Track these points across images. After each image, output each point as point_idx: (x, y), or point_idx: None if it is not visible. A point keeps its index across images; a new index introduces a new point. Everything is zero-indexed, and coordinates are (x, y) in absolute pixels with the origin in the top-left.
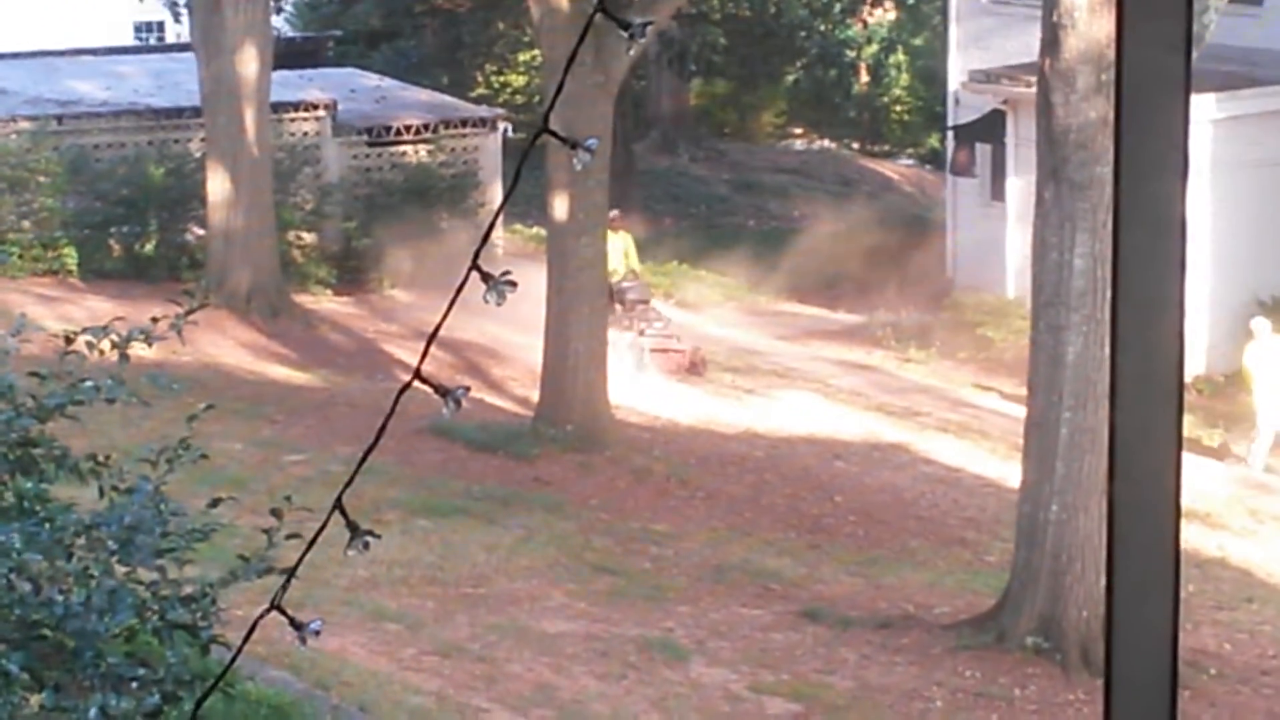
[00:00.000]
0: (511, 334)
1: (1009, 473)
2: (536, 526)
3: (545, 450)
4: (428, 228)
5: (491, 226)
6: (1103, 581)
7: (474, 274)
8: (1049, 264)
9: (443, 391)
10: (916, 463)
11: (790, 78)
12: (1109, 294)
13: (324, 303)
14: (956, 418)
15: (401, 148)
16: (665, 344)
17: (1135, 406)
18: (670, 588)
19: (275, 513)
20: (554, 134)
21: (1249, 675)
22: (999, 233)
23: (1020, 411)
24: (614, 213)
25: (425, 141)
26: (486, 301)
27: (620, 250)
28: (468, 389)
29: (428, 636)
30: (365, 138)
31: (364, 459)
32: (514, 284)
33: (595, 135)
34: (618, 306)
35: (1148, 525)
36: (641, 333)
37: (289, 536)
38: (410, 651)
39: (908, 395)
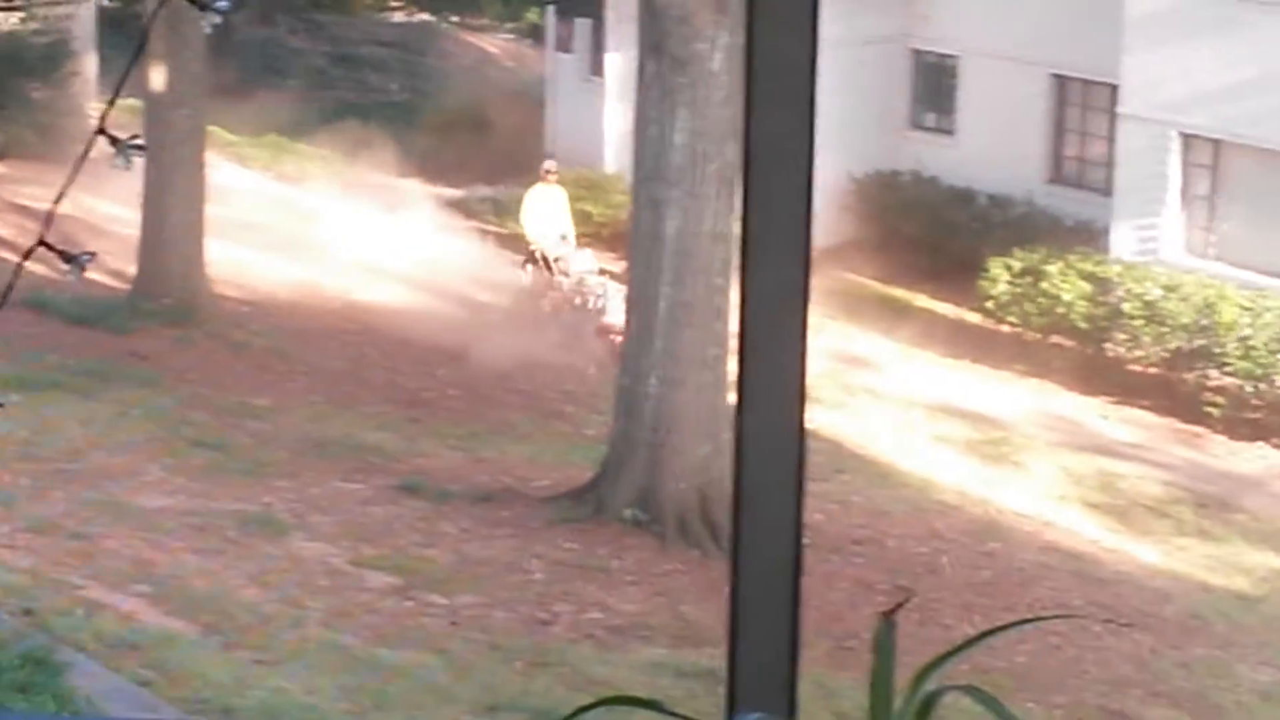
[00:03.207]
0: (108, 207)
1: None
2: (133, 401)
3: (142, 324)
4: (18, 97)
5: (117, 95)
6: (700, 453)
7: (95, 145)
8: (649, 139)
9: (68, 257)
10: (521, 335)
11: None
12: (708, 169)
13: None
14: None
15: None
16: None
17: (763, 283)
18: (269, 462)
19: None
20: None
21: (840, 545)
22: (598, 108)
23: (621, 285)
24: (548, 164)
25: (16, 9)
26: (115, 167)
27: (551, 208)
28: (93, 254)
29: (21, 513)
30: None
31: None
32: (143, 147)
33: None
34: (560, 280)
35: (774, 401)
36: (602, 318)
37: None
38: (4, 529)
39: (505, 269)
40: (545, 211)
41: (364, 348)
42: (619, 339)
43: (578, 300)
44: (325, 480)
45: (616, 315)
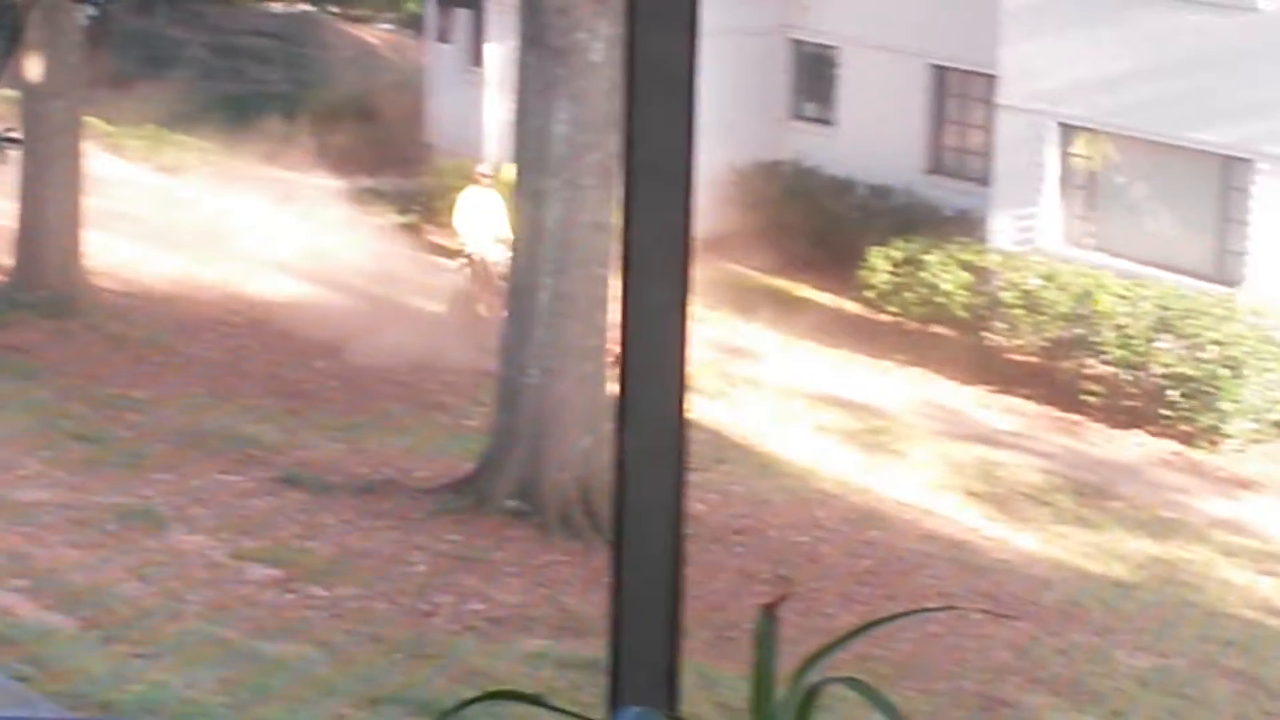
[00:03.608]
0: None
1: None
2: (10, 394)
3: (19, 316)
4: None
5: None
6: (581, 443)
7: None
8: (530, 130)
9: None
10: (401, 327)
11: None
12: (589, 159)
13: None
14: (438, 282)
15: None
16: None
17: (645, 272)
18: (148, 455)
19: None
20: None
21: (721, 534)
22: (479, 98)
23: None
24: (482, 166)
25: None
26: None
27: (485, 211)
28: None
29: None
30: None
31: None
32: (19, 140)
33: None
34: (501, 285)
35: (656, 392)
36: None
37: None
38: None
39: (388, 260)
40: (479, 214)
41: (244, 340)
42: None
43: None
44: (205, 473)
45: None
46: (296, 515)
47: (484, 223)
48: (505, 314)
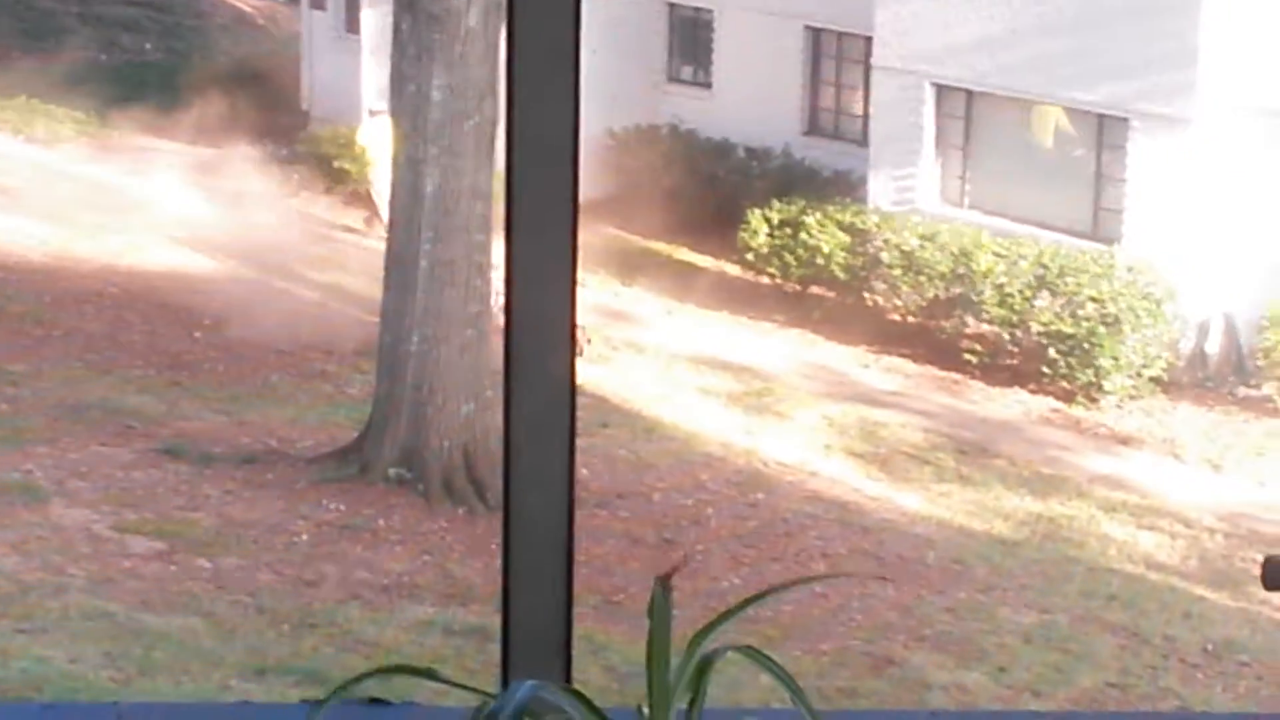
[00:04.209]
0: None
1: (372, 305)
2: None
3: None
4: None
5: None
6: (464, 410)
7: None
8: (406, 97)
9: None
10: (280, 296)
11: None
12: (467, 126)
13: None
14: (319, 250)
15: None
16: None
17: (530, 238)
18: (27, 429)
19: None
20: None
21: (606, 499)
22: (354, 65)
23: (381, 244)
24: None
25: None
26: None
27: None
28: None
29: None
30: None
31: None
32: None
33: None
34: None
35: (542, 357)
36: None
37: None
38: None
39: (267, 230)
40: None
41: (123, 312)
42: None
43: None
44: (85, 445)
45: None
46: (179, 487)
47: None
48: (385, 281)
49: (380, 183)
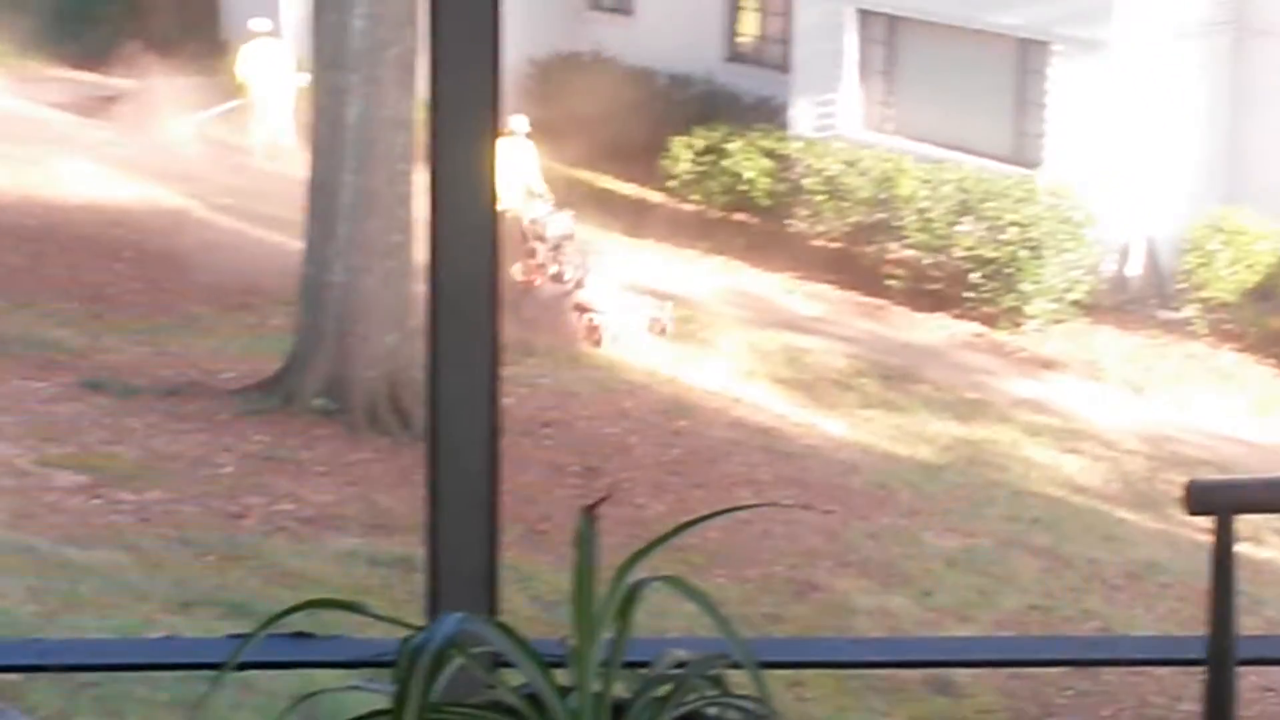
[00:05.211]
0: None
1: (292, 237)
2: None
3: None
4: None
5: None
6: (387, 340)
7: None
8: (327, 25)
9: None
10: (197, 228)
11: None
12: (388, 54)
13: None
14: (237, 182)
15: None
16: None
17: (452, 168)
18: None
19: None
20: None
21: (531, 428)
22: None
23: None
24: (511, 119)
25: None
26: None
27: (514, 163)
28: None
29: None
30: None
31: None
32: None
33: None
34: (535, 246)
35: (466, 286)
36: (579, 293)
37: None
38: None
39: (184, 162)
40: (505, 167)
41: (42, 244)
42: (594, 318)
43: (554, 269)
44: (6, 379)
45: (593, 290)
46: (101, 420)
47: (511, 175)
48: (307, 212)
49: (267, 109)
